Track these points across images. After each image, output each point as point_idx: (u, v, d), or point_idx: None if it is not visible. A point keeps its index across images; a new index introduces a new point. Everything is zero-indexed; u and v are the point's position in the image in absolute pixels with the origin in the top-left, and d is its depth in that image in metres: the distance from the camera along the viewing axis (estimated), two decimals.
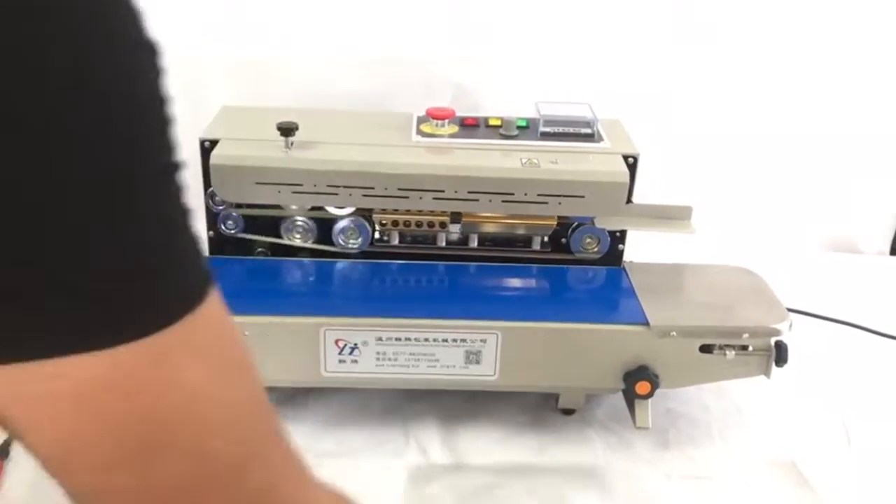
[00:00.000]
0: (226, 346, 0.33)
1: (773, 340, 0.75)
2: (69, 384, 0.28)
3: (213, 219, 0.83)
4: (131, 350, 0.28)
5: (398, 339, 0.74)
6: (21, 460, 0.72)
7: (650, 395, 0.75)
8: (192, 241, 0.31)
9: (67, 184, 0.26)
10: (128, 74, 0.27)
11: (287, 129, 0.77)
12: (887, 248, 1.25)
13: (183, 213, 0.30)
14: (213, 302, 0.31)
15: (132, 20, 0.27)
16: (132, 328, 0.28)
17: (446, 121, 0.83)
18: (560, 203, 0.79)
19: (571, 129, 0.84)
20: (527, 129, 0.85)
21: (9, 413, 0.29)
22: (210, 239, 0.84)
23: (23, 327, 0.27)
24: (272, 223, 0.83)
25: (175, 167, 0.30)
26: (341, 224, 0.82)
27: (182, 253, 0.30)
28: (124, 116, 0.27)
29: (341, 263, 0.83)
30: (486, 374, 0.75)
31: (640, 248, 0.86)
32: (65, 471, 0.31)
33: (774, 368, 0.75)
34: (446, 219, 0.82)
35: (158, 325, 0.29)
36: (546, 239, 0.85)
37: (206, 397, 0.31)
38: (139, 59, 0.28)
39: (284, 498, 0.35)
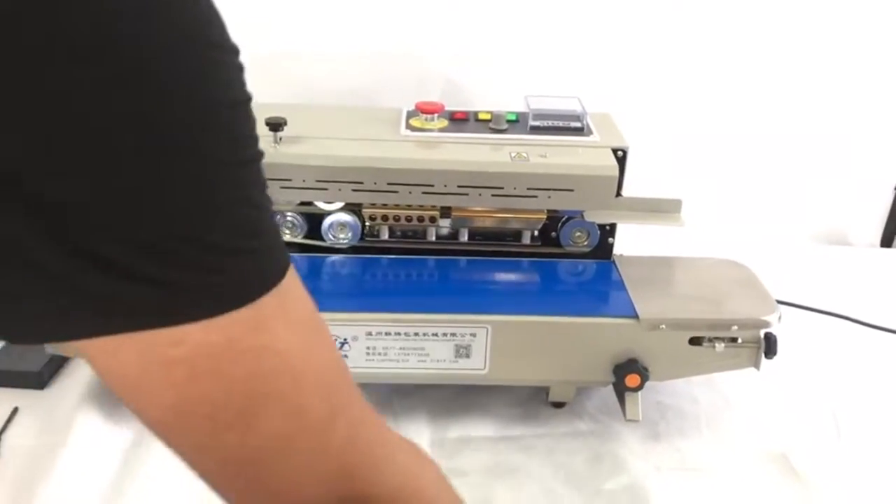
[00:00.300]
0: (308, 313, 0.36)
1: (762, 333, 0.75)
2: (185, 351, 0.31)
3: None
4: (235, 318, 0.32)
5: (388, 334, 0.74)
6: (11, 456, 0.72)
7: (640, 387, 0.75)
8: (275, 222, 0.35)
9: (188, 172, 0.30)
10: (229, 77, 0.32)
11: (275, 125, 0.77)
12: (878, 240, 1.25)
13: (269, 198, 0.34)
14: (294, 276, 0.35)
15: (220, 25, 0.32)
16: (236, 299, 0.32)
17: (435, 115, 0.83)
18: (549, 197, 0.79)
19: (561, 123, 0.84)
20: (516, 122, 0.85)
21: (126, 381, 0.33)
22: None
23: (147, 300, 0.30)
24: None
25: (262, 156, 0.33)
26: (330, 219, 0.82)
27: (273, 232, 0.34)
28: (234, 111, 0.32)
29: (331, 258, 0.83)
30: (476, 367, 0.75)
31: (630, 241, 0.86)
32: (177, 433, 0.34)
33: (764, 361, 0.75)
34: (436, 213, 0.82)
35: (257, 295, 0.32)
36: (536, 233, 0.85)
37: (299, 358, 0.35)
38: (232, 61, 0.32)
39: (368, 443, 0.39)
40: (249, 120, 0.33)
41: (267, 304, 0.33)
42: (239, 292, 0.32)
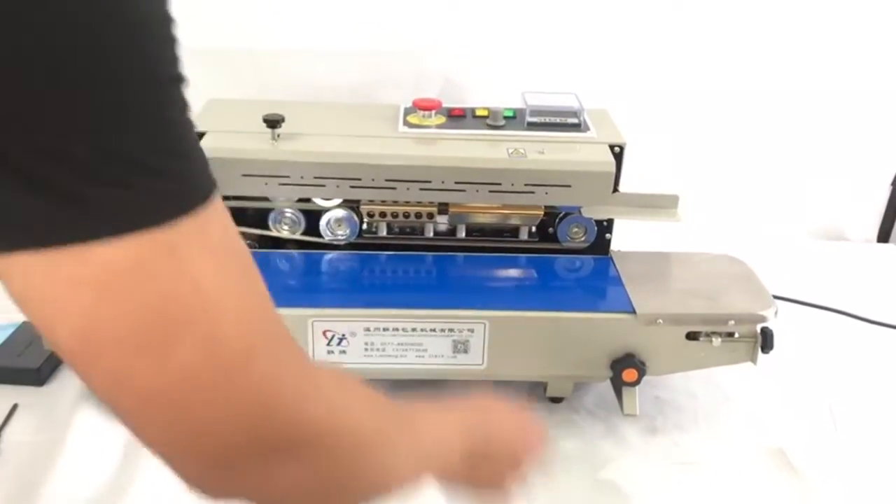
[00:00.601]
0: (232, 246, 0.35)
1: (759, 327, 0.75)
2: (90, 271, 0.30)
3: None
4: (146, 239, 0.31)
5: (386, 330, 0.74)
6: (11, 453, 0.73)
7: (637, 382, 0.75)
8: (200, 148, 0.34)
9: (98, 81, 0.29)
10: None
11: (273, 121, 0.77)
12: (874, 235, 1.26)
13: (191, 122, 0.33)
14: (219, 207, 0.34)
15: None
16: (147, 218, 0.31)
17: (433, 112, 0.83)
18: (547, 193, 0.79)
19: (558, 119, 0.84)
20: (514, 119, 0.85)
21: (35, 304, 0.32)
22: None
23: (46, 215, 0.29)
24: (260, 215, 0.83)
25: (183, 79, 0.33)
26: (329, 215, 0.83)
27: (193, 154, 0.33)
28: (149, 28, 0.31)
29: (329, 255, 0.83)
30: (474, 363, 0.76)
31: (627, 236, 0.86)
32: (88, 362, 0.33)
33: (761, 355, 0.76)
34: (434, 209, 0.82)
35: (171, 217, 0.31)
36: (533, 229, 0.85)
37: (216, 287, 0.33)
38: None
39: (291, 380, 0.37)
40: (169, 41, 0.32)
41: (183, 228, 0.32)
42: (149, 212, 0.31)
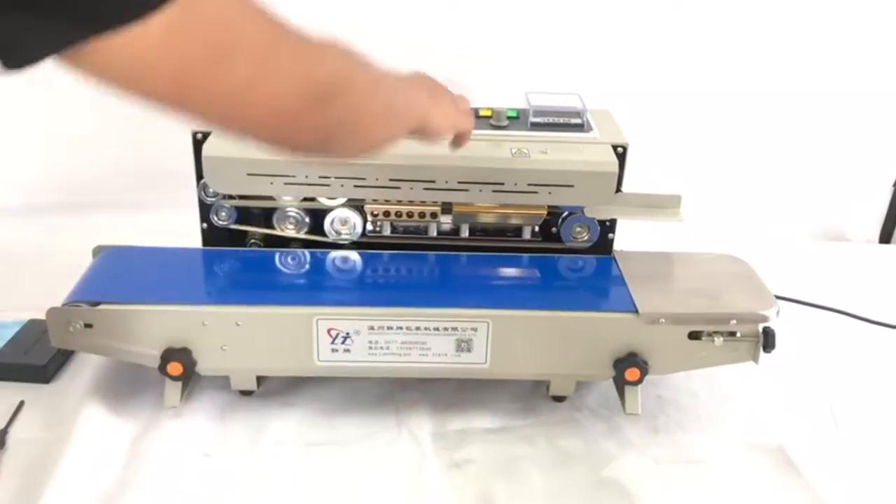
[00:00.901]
0: None
1: (760, 327, 0.76)
2: (158, 28, 0.39)
3: (205, 210, 0.83)
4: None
5: (390, 328, 0.74)
6: (17, 449, 0.73)
7: (639, 381, 0.76)
8: None
9: None
10: None
11: None
12: (876, 236, 1.26)
13: None
14: None
15: None
16: None
17: None
18: (550, 192, 0.79)
19: (561, 119, 0.85)
20: (517, 119, 0.85)
21: (124, 79, 0.41)
22: (203, 230, 0.84)
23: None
24: (265, 214, 0.84)
25: None
26: (333, 215, 0.83)
27: None
28: None
29: (333, 254, 0.84)
30: (477, 362, 0.76)
31: (630, 236, 0.86)
32: (187, 92, 0.43)
33: (763, 355, 0.76)
34: (437, 209, 0.82)
35: None
36: (536, 228, 0.85)
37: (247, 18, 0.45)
38: None
39: (313, 59, 0.50)
40: None
41: None
42: None
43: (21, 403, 0.78)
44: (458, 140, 0.71)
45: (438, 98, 0.67)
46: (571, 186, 0.79)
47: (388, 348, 0.75)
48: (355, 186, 0.79)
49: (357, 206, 0.83)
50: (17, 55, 0.39)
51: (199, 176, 0.80)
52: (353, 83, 0.53)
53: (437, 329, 0.75)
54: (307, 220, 0.84)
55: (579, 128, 0.84)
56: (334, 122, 0.52)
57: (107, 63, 0.40)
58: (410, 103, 0.62)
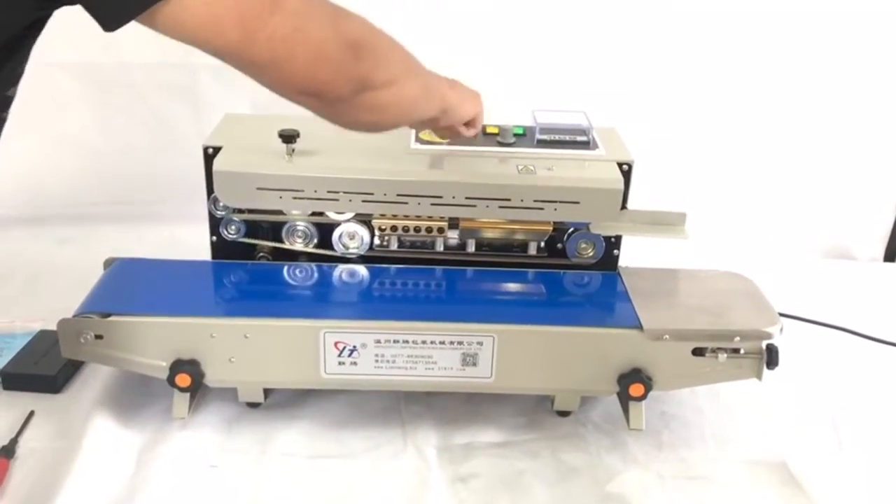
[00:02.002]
0: None
1: (764, 344, 0.76)
2: None
3: (215, 224, 0.84)
4: None
5: (396, 342, 0.75)
6: (27, 459, 0.74)
7: (644, 397, 0.76)
8: None
9: None
10: None
11: (288, 137, 0.79)
12: (881, 254, 1.26)
13: None
14: None
15: None
16: None
17: None
18: (556, 209, 0.80)
19: (567, 137, 0.85)
20: (523, 136, 0.86)
21: (194, 33, 0.49)
22: (213, 244, 0.85)
23: None
24: (274, 228, 0.85)
25: None
26: (341, 229, 0.84)
27: None
28: None
29: (341, 268, 0.85)
30: (482, 376, 0.77)
31: (635, 253, 0.87)
32: (246, 45, 0.51)
33: (766, 371, 0.76)
34: (444, 224, 0.83)
35: None
36: (542, 244, 0.86)
37: None
38: None
39: (338, 25, 0.56)
40: None
41: None
42: None
43: (31, 413, 0.79)
44: (473, 123, 0.75)
45: (457, 88, 0.73)
46: (577, 203, 0.80)
47: (394, 362, 0.76)
48: (363, 201, 0.80)
49: (365, 220, 0.84)
50: (113, 16, 0.47)
51: (210, 190, 0.81)
52: (376, 37, 0.60)
53: (443, 343, 0.75)
54: (315, 234, 0.85)
55: (585, 145, 0.85)
56: (366, 71, 0.58)
57: (184, 20, 0.48)
58: (436, 83, 0.69)
